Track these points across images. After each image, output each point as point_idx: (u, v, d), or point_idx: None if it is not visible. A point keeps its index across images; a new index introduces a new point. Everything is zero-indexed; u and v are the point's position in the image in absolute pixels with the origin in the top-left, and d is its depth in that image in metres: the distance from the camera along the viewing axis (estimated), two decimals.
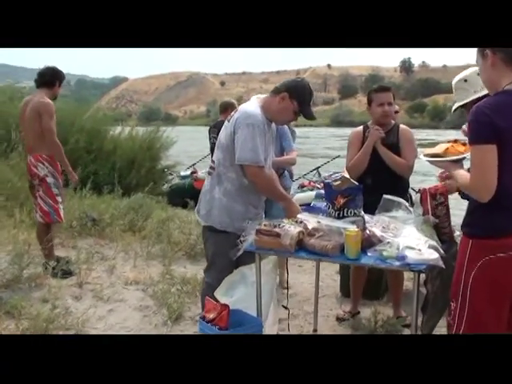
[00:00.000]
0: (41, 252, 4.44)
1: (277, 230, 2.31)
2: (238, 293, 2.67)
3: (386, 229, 2.31)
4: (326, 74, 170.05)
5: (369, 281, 3.62)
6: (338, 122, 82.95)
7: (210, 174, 2.81)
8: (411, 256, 2.04)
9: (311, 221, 2.37)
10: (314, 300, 3.33)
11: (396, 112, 5.72)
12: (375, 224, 2.37)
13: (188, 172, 10.56)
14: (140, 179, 9.59)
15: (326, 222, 2.33)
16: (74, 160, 8.32)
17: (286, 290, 4.30)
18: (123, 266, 4.83)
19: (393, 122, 3.37)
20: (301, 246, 2.34)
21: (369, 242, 2.24)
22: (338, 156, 9.77)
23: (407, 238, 2.17)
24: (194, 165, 11.19)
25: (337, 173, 2.67)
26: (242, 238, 2.45)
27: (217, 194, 2.71)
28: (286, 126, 4.09)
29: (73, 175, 4.54)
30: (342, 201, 2.37)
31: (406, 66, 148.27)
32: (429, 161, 2.13)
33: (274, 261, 2.67)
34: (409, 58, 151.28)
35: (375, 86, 3.42)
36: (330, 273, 4.56)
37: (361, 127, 3.44)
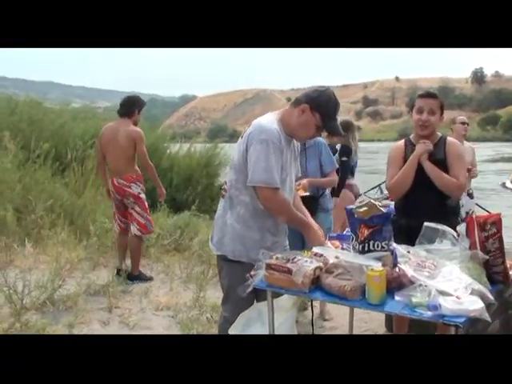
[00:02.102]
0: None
1: (289, 265, 1.97)
2: (254, 331, 2.36)
3: (420, 266, 1.90)
4: (394, 87, 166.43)
5: None
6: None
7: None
8: (446, 305, 1.63)
9: (331, 255, 2.02)
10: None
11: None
12: (409, 259, 1.97)
13: None
14: (196, 196, 9.53)
15: (346, 257, 1.96)
16: None
17: (325, 323, 3.94)
18: (159, 288, 4.66)
19: (439, 134, 2.93)
20: (318, 285, 1.99)
21: (398, 283, 1.85)
22: None
23: (445, 280, 1.75)
24: None
25: None
26: (252, 272, 2.13)
27: (229, 220, 2.42)
28: (322, 141, 3.76)
29: (162, 192, 5.01)
30: (366, 232, 1.98)
31: (478, 77, 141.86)
32: None
33: (294, 297, 2.32)
34: (481, 68, 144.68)
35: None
36: None
37: (402, 141, 3.03)
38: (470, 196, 5.17)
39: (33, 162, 6.40)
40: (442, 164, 2.79)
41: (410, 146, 2.92)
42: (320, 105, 2.32)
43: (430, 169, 2.78)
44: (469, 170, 4.79)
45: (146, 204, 4.77)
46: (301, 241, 3.07)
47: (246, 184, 2.32)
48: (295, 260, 2.00)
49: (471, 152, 5.24)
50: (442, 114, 2.86)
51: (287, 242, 2.62)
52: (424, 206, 2.75)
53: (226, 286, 2.52)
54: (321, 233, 2.39)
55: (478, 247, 1.98)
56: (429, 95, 2.85)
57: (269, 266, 2.03)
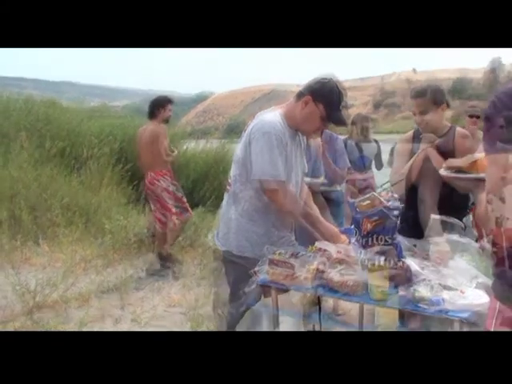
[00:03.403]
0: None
1: (291, 260, 1.95)
2: (261, 327, 2.34)
3: (426, 260, 1.86)
4: (411, 79, 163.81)
5: None
6: None
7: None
8: (450, 300, 1.59)
9: (334, 250, 1.98)
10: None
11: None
12: (415, 253, 1.93)
13: None
14: (213, 192, 9.56)
15: (349, 252, 1.93)
16: None
17: (338, 318, 3.90)
18: (172, 285, 4.67)
19: (448, 125, 2.84)
20: (321, 280, 1.95)
21: (402, 278, 1.81)
22: None
23: (450, 274, 1.71)
24: None
25: None
26: (256, 268, 2.10)
27: (233, 215, 2.39)
28: (339, 139, 3.74)
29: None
30: (369, 226, 1.95)
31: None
32: (447, 176, 1.63)
33: (300, 293, 2.29)
34: (499, 58, 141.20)
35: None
36: None
37: (410, 133, 2.94)
38: None
39: (48, 161, 6.48)
40: (450, 156, 2.71)
41: (417, 138, 2.84)
42: (323, 95, 2.27)
43: (436, 159, 2.70)
44: None
45: (178, 194, 5.12)
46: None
47: (250, 178, 2.29)
48: (298, 255, 1.98)
49: None
50: (439, 106, 2.69)
51: (294, 237, 2.58)
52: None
53: (232, 282, 2.50)
54: (335, 229, 2.32)
55: (485, 239, 1.92)
56: (416, 95, 2.71)
57: (272, 262, 2.01)
